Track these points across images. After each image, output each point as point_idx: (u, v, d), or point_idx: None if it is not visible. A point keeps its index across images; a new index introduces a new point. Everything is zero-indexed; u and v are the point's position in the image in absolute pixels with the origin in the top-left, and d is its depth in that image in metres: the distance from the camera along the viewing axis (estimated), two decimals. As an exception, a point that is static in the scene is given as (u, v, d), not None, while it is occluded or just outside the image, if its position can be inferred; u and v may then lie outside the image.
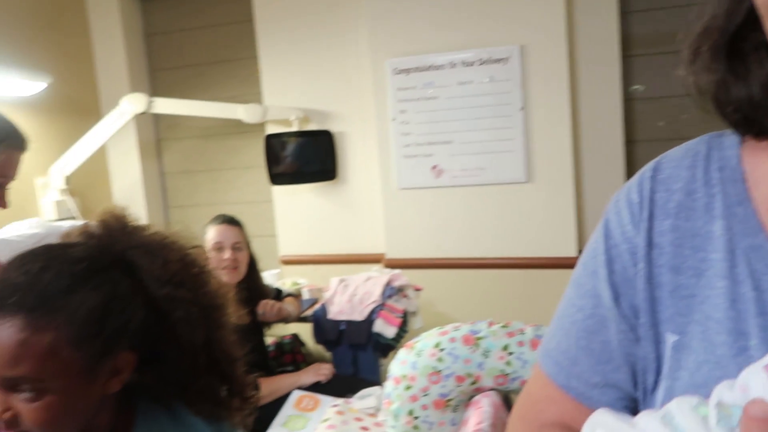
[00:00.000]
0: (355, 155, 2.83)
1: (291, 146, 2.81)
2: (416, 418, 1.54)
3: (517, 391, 1.54)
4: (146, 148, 3.15)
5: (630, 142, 2.54)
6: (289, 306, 2.22)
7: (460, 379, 1.52)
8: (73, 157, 2.63)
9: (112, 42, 3.05)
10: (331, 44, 2.79)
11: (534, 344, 1.51)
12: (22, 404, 0.69)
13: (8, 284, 0.70)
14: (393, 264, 2.64)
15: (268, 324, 2.23)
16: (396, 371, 1.59)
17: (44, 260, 0.72)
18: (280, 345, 2.44)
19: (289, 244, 2.97)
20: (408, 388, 1.55)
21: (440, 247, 2.68)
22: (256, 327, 2.17)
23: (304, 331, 2.55)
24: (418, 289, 2.37)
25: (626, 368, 0.53)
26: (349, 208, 2.87)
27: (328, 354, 2.33)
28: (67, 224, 2.38)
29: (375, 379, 2.15)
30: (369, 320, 2.20)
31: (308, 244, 2.95)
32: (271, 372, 2.18)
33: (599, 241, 0.57)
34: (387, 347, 2.21)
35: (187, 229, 0.89)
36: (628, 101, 2.54)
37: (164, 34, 3.15)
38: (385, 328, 2.17)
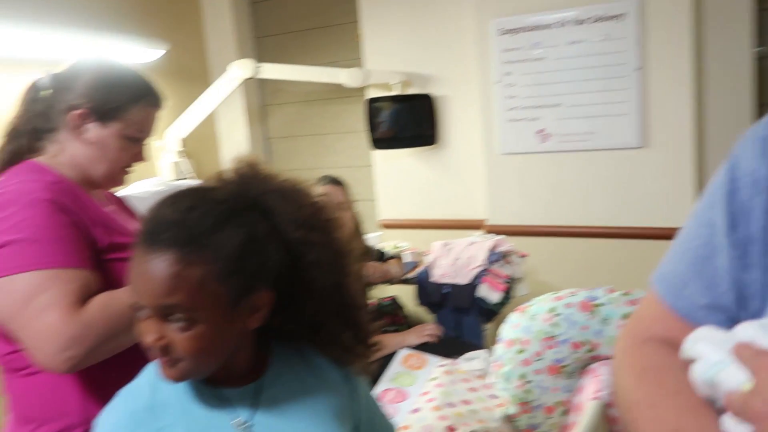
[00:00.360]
0: (457, 120, 2.78)
1: (392, 111, 2.80)
2: (528, 382, 1.52)
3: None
4: (252, 113, 3.26)
5: (762, 105, 2.34)
6: (393, 268, 2.25)
7: (576, 346, 1.48)
8: (187, 121, 2.76)
9: (220, 10, 3.15)
10: (434, 6, 2.73)
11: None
12: (175, 333, 0.73)
13: (161, 220, 0.75)
14: (494, 230, 2.60)
15: (369, 285, 2.26)
16: (508, 334, 1.57)
17: (191, 200, 0.77)
18: (380, 307, 2.47)
19: (388, 208, 2.99)
20: (520, 351, 1.53)
21: (545, 214, 2.61)
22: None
23: (404, 294, 2.57)
24: (523, 256, 2.32)
25: (734, 293, 0.57)
26: (449, 173, 2.84)
27: (429, 317, 2.34)
28: (185, 183, 2.51)
29: (478, 343, 2.14)
30: (473, 284, 2.18)
31: (408, 209, 2.95)
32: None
33: (722, 174, 0.60)
34: (490, 313, 2.19)
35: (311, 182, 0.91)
36: (762, 59, 2.33)
37: (269, 1, 3.21)
38: (490, 293, 2.15)
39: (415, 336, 2.05)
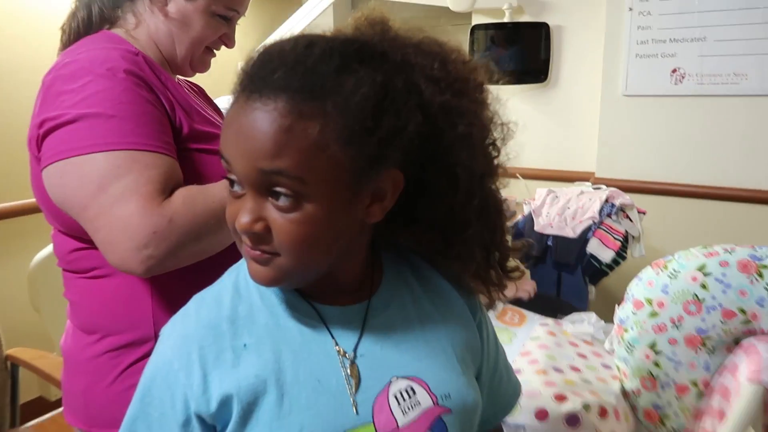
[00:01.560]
0: (574, 53, 2.43)
1: (499, 40, 2.49)
2: (658, 352, 1.24)
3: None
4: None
5: None
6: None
7: (728, 315, 1.18)
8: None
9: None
10: None
11: None
12: (277, 215, 0.54)
13: (269, 60, 0.54)
14: (602, 184, 2.27)
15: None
16: (638, 293, 1.28)
17: (310, 38, 0.56)
18: None
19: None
20: (653, 315, 1.24)
21: (667, 170, 2.25)
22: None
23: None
24: (642, 212, 2.00)
25: None
26: (559, 115, 2.51)
27: (526, 271, 2.07)
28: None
29: (582, 306, 1.86)
30: (582, 239, 1.89)
31: (507, 155, 2.65)
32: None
33: None
34: (599, 273, 1.89)
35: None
36: None
37: None
38: (601, 250, 1.85)
39: (510, 289, 1.79)
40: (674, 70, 2.18)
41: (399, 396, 0.61)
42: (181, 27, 0.96)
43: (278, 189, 0.53)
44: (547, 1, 2.43)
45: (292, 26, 2.53)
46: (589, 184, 2.21)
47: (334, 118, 0.52)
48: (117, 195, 0.76)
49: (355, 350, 0.61)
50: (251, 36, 2.63)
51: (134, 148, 0.79)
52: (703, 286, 1.20)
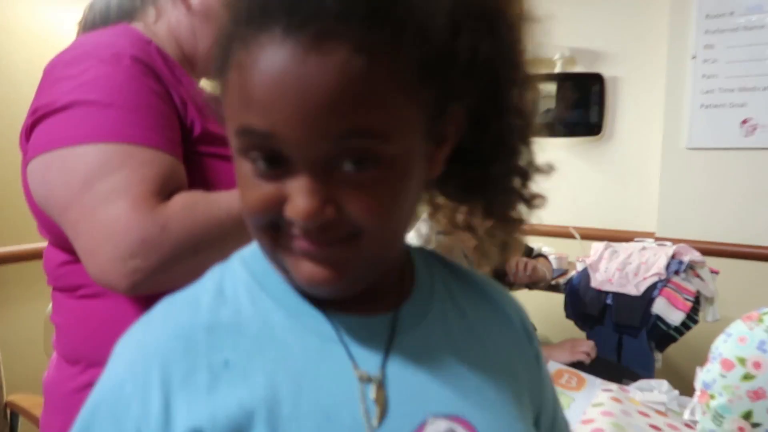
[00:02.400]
0: (631, 105, 2.30)
1: (550, 91, 2.38)
2: (756, 425, 1.01)
3: None
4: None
5: None
6: (542, 266, 1.80)
7: None
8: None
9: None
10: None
11: None
12: (352, 189, 0.39)
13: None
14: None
15: (512, 286, 1.83)
16: (727, 351, 1.06)
17: None
18: None
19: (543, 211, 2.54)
20: (747, 377, 1.02)
21: (737, 230, 2.04)
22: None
23: (546, 307, 2.10)
24: (714, 272, 1.78)
25: None
26: (615, 170, 2.35)
27: (581, 334, 1.85)
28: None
29: (647, 375, 1.62)
30: (647, 298, 1.68)
31: (557, 212, 2.48)
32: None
33: None
34: (666, 337, 1.67)
35: None
36: None
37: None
38: (669, 311, 1.63)
39: (565, 352, 1.58)
40: (744, 121, 2.01)
41: None
42: (204, 20, 0.86)
43: (353, 157, 0.39)
44: (601, 51, 2.33)
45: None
46: (651, 240, 2.01)
47: (413, 47, 0.39)
48: (104, 194, 0.64)
49: (382, 371, 0.45)
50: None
51: (130, 142, 0.67)
52: (813, 344, 0.99)
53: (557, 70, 2.34)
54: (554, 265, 2.09)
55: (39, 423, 0.86)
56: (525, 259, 1.77)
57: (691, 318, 1.65)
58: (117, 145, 0.66)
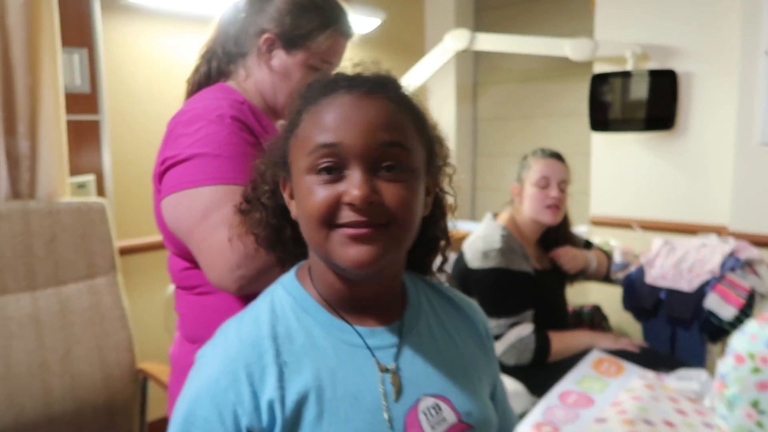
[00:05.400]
0: (704, 100, 2.31)
1: (622, 88, 2.44)
2: (762, 412, 1.12)
3: None
4: (463, 91, 3.13)
5: None
6: (590, 254, 1.91)
7: None
8: (397, 93, 2.72)
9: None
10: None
11: None
12: (388, 185, 0.62)
13: (369, 76, 0.68)
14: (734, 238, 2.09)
15: (571, 278, 1.96)
16: (740, 346, 1.17)
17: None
18: (578, 314, 2.13)
19: (602, 202, 2.62)
20: (756, 371, 1.13)
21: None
22: (557, 277, 1.92)
23: (610, 303, 2.20)
24: (774, 268, 1.81)
25: None
26: (685, 165, 2.38)
27: (635, 327, 1.95)
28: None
29: (699, 366, 1.71)
30: (700, 293, 1.75)
31: (627, 205, 2.55)
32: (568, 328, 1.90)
33: None
34: (719, 331, 1.74)
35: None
36: None
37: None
38: (722, 306, 1.70)
39: (609, 340, 1.70)
40: (820, 116, 1.99)
41: (427, 412, 0.65)
42: (282, 78, 1.10)
43: (390, 162, 0.62)
44: (673, 48, 2.36)
45: (414, 78, 2.68)
46: (714, 236, 2.05)
47: (413, 115, 0.66)
48: (217, 222, 0.89)
49: (396, 361, 0.66)
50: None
51: (233, 183, 0.92)
52: (815, 342, 1.08)
53: (629, 67, 2.38)
54: (618, 258, 2.18)
55: (166, 387, 1.15)
56: (572, 249, 1.89)
57: (745, 313, 1.71)
58: (224, 186, 0.92)
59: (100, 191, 2.08)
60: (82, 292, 1.82)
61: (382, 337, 0.67)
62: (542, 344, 1.69)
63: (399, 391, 0.64)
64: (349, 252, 0.60)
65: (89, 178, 2.06)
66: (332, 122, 0.62)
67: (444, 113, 3.14)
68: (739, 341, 1.20)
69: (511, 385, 1.65)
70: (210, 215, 0.90)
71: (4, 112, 1.69)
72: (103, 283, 1.84)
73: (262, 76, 1.11)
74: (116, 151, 2.11)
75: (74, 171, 2.02)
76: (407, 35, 3.07)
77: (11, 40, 1.67)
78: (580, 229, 2.47)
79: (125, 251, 2.06)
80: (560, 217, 1.81)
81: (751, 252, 1.80)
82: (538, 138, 2.94)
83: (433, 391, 0.66)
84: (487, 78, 3.13)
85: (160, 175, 0.99)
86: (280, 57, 1.09)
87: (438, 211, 0.74)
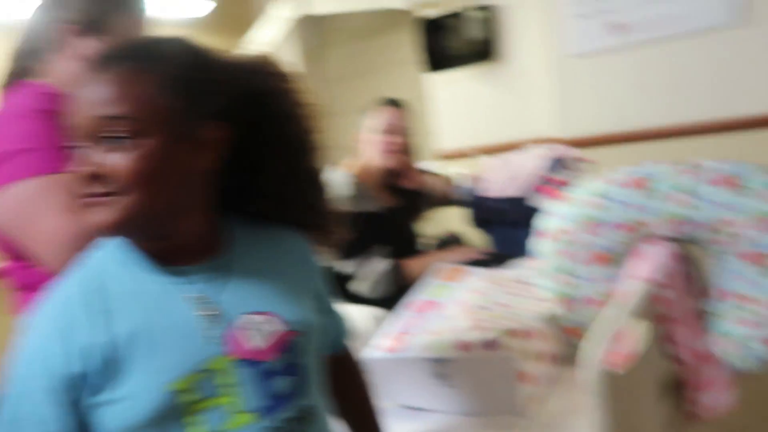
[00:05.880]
0: (516, 29, 2.51)
1: (445, 28, 2.58)
2: (572, 275, 1.29)
3: (698, 239, 1.20)
4: (308, 55, 3.16)
5: None
6: (432, 179, 2.06)
7: (626, 228, 1.22)
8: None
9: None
10: None
11: (722, 181, 1.15)
12: (118, 157, 0.66)
13: (113, 48, 0.72)
14: (570, 145, 2.31)
15: (422, 209, 2.08)
16: (548, 225, 1.34)
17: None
18: (439, 244, 2.25)
19: (449, 138, 2.78)
20: (563, 242, 1.30)
21: (626, 119, 2.29)
22: (409, 212, 2.04)
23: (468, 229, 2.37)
24: (589, 162, 2.03)
25: None
26: (509, 89, 2.58)
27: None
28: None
29: (538, 259, 1.90)
30: (530, 195, 1.94)
31: (472, 136, 2.72)
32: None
33: None
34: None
35: None
36: None
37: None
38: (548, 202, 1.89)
39: (458, 254, 1.85)
40: (614, 23, 2.23)
41: (252, 327, 0.73)
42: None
43: (116, 134, 0.65)
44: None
45: (258, 46, 2.68)
46: (540, 146, 2.26)
47: (159, 73, 0.68)
48: (42, 210, 0.94)
49: (215, 295, 0.74)
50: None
51: (51, 172, 0.96)
52: (601, 207, 1.25)
53: (453, 8, 2.53)
54: (465, 183, 2.33)
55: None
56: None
57: (570, 205, 1.91)
58: (43, 177, 0.96)
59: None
60: None
61: (201, 273, 0.74)
62: (399, 273, 1.80)
63: (220, 315, 0.72)
64: (93, 217, 0.67)
65: None
66: (72, 104, 0.68)
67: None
68: (547, 220, 1.36)
69: (377, 313, 1.75)
70: (33, 205, 0.94)
71: None
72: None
73: (68, 66, 1.11)
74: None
75: None
76: (239, 13, 3.06)
77: None
78: (431, 164, 2.63)
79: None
80: (402, 161, 1.91)
81: (568, 152, 2.01)
82: (378, 90, 3.04)
83: (261, 308, 0.75)
84: (329, 39, 3.19)
85: None
86: (83, 45, 1.11)
87: (266, 156, 0.80)
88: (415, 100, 2.86)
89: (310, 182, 0.84)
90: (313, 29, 3.16)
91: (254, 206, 0.82)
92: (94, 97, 0.66)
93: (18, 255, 1.03)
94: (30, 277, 1.03)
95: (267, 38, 2.67)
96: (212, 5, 2.71)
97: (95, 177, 0.65)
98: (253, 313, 0.74)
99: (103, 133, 0.66)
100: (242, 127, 0.75)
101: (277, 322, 0.74)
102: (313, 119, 0.83)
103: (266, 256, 0.80)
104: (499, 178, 2.03)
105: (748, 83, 2.05)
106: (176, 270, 0.73)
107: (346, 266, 1.79)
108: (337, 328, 0.95)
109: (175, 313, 0.71)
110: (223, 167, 0.75)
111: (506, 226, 2.00)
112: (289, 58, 3.09)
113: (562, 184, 1.92)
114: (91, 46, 1.10)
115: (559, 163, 1.99)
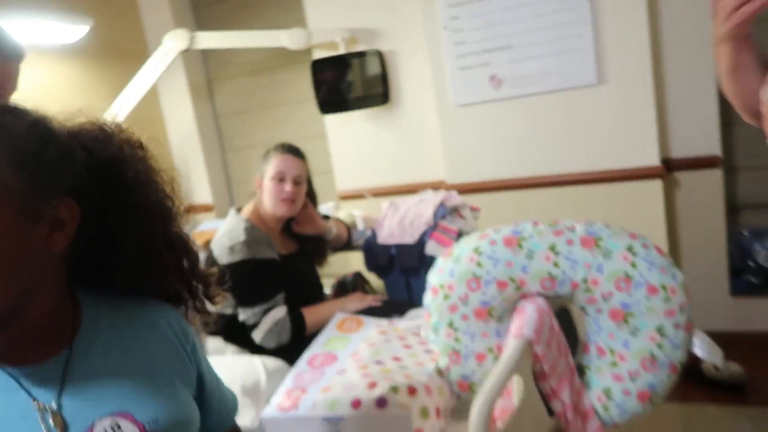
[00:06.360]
0: (408, 74, 2.63)
1: (339, 71, 2.65)
2: (456, 329, 1.37)
3: (567, 297, 1.32)
4: (197, 89, 3.12)
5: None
6: (328, 224, 2.09)
7: (501, 285, 1.32)
8: (124, 103, 2.62)
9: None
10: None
11: (585, 242, 1.28)
12: None
13: None
14: (458, 190, 2.44)
15: (318, 255, 2.11)
16: (433, 281, 1.41)
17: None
18: (342, 284, 2.27)
19: (346, 179, 2.84)
20: (446, 297, 1.37)
21: (505, 167, 2.45)
22: (306, 258, 2.05)
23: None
24: (474, 209, 2.17)
25: None
26: (404, 133, 2.69)
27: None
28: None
29: (430, 304, 1.99)
30: (421, 243, 2.03)
31: (365, 177, 2.80)
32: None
33: None
34: (443, 271, 2.03)
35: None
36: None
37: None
38: (438, 250, 1.99)
39: (356, 301, 1.90)
40: (492, 77, 2.40)
41: None
42: None
43: None
44: (376, 30, 2.62)
45: (140, 84, 2.61)
46: (430, 190, 2.37)
47: (3, 149, 0.61)
48: None
49: (58, 401, 0.65)
50: (102, 96, 2.70)
51: None
52: (479, 264, 1.34)
53: (342, 51, 2.60)
54: (360, 225, 2.40)
55: None
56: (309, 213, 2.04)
57: (458, 251, 2.02)
58: None
59: None
60: None
61: (43, 374, 0.65)
62: (297, 322, 1.81)
63: (64, 426, 0.64)
64: None
65: None
66: None
67: (182, 113, 3.10)
68: (432, 276, 1.44)
69: (274, 364, 1.75)
70: None
71: None
72: None
73: None
74: None
75: None
76: (125, 41, 2.96)
77: None
78: (327, 206, 2.67)
79: None
80: (295, 210, 1.92)
81: (455, 199, 2.12)
82: (278, 127, 3.07)
83: (109, 410, 0.66)
84: (220, 74, 3.16)
85: None
86: None
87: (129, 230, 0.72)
88: (316, 138, 2.91)
89: (173, 249, 0.77)
90: (202, 63, 3.12)
91: (115, 280, 0.74)
92: None
93: None
94: None
95: (154, 71, 2.61)
96: (84, 29, 2.58)
97: None
98: (106, 417, 0.66)
99: None
100: (94, 198, 0.69)
101: (130, 425, 0.67)
102: (171, 183, 0.78)
103: (126, 343, 0.71)
104: (392, 224, 2.11)
105: (604, 140, 2.27)
106: (16, 372, 0.65)
107: (244, 314, 1.78)
108: (224, 407, 0.88)
109: (18, 426, 0.63)
110: (76, 241, 0.67)
111: (399, 272, 2.08)
112: (176, 91, 3.04)
113: (451, 231, 2.03)
114: None
115: (447, 210, 2.10)
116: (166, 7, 2.99)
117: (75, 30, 2.49)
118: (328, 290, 2.15)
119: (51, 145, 0.65)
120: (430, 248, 2.00)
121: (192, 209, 3.14)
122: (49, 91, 2.52)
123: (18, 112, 0.66)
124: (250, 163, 3.14)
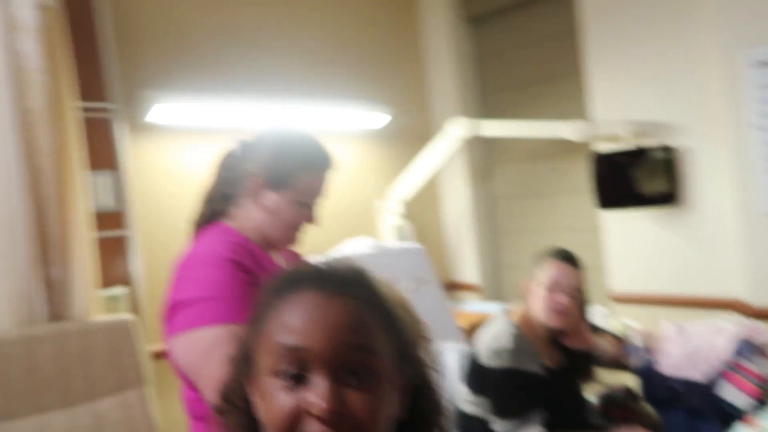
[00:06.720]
0: (704, 174, 2.34)
1: (622, 165, 2.49)
2: None
3: None
4: (476, 173, 3.21)
5: None
6: (602, 341, 1.92)
7: None
8: (408, 184, 2.82)
9: (443, 69, 3.21)
10: (667, 43, 2.38)
11: None
12: (353, 394, 0.60)
13: (342, 273, 0.67)
14: (753, 314, 2.08)
15: (585, 372, 1.96)
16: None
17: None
18: (610, 397, 2.08)
19: (620, 279, 2.62)
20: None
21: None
22: (571, 373, 1.92)
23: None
24: (790, 352, 1.80)
25: None
26: (695, 239, 2.39)
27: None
28: (400, 245, 2.56)
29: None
30: (713, 382, 1.75)
31: (642, 281, 2.55)
32: (591, 428, 1.89)
33: None
34: (734, 418, 1.72)
35: None
36: None
37: (493, 56, 3.17)
38: (736, 395, 1.70)
39: (628, 437, 1.70)
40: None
41: None
42: (273, 216, 1.24)
43: (357, 367, 0.60)
44: (667, 124, 2.40)
45: (424, 167, 2.79)
46: (726, 315, 2.05)
47: (380, 316, 0.65)
48: (219, 359, 0.96)
49: None
50: (390, 176, 2.95)
51: (232, 322, 1.03)
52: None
53: (626, 145, 2.44)
54: (638, 342, 2.15)
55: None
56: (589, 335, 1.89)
57: (761, 401, 1.69)
58: (223, 326, 1.03)
59: (133, 301, 2.20)
60: (115, 407, 1.91)
61: None
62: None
63: None
64: None
65: (120, 291, 2.19)
66: (296, 322, 0.61)
67: (458, 195, 3.22)
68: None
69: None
70: (212, 352, 1.00)
71: (40, 243, 1.84)
72: (133, 397, 1.94)
73: (256, 215, 1.24)
74: (150, 262, 2.26)
75: (106, 283, 2.16)
76: (416, 125, 3.21)
77: (42, 180, 1.83)
78: (599, 309, 2.49)
79: (161, 355, 2.16)
80: (568, 323, 1.82)
81: (763, 336, 1.79)
82: (550, 215, 2.99)
83: None
84: (499, 158, 3.21)
85: (168, 315, 1.10)
86: (269, 197, 1.22)
87: (424, 410, 0.71)
88: (588, 231, 2.77)
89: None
90: (483, 148, 3.21)
91: None
92: (329, 324, 0.60)
93: (193, 386, 1.10)
94: (202, 409, 1.10)
95: (438, 155, 2.76)
96: (388, 118, 2.87)
97: (339, 412, 0.58)
98: None
99: (344, 364, 0.60)
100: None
101: None
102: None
103: None
104: (677, 353, 1.86)
105: None
106: None
107: (497, 425, 1.72)
108: None
109: None
110: None
111: (682, 410, 1.82)
112: (455, 171, 3.17)
113: (753, 375, 1.72)
114: (271, 199, 1.21)
115: (748, 347, 1.79)
116: (455, 95, 3.16)
117: (380, 118, 2.79)
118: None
119: (402, 333, 0.68)
120: (726, 392, 1.72)
121: (457, 286, 3.24)
122: (350, 170, 2.85)
123: (362, 274, 0.68)
124: (522, 248, 3.12)
